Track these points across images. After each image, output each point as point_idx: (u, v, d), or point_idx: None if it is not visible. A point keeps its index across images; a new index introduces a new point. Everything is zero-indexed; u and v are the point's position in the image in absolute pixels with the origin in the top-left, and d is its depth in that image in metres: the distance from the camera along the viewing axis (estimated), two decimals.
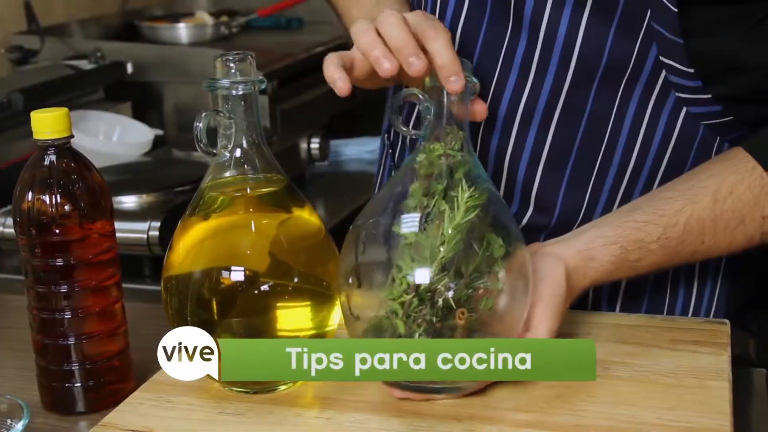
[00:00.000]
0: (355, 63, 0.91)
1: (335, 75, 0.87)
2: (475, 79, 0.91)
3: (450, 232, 0.84)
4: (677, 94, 1.00)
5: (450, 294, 0.84)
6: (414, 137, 0.96)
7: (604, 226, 0.97)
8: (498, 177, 1.06)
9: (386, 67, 0.88)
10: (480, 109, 0.94)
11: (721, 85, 0.99)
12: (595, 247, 0.95)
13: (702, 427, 0.83)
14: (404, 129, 0.92)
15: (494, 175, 1.06)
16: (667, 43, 0.96)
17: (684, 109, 1.01)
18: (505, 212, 0.90)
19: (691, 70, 0.97)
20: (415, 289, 0.84)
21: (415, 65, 0.87)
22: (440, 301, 0.84)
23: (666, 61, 0.97)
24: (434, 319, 0.84)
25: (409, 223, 0.86)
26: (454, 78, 0.87)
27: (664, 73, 0.98)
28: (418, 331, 0.84)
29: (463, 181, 0.86)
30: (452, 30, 1.04)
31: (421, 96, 0.88)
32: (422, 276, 0.84)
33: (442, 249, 0.84)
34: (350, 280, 0.88)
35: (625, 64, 0.98)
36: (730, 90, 0.99)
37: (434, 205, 0.86)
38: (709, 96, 0.99)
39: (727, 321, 1.02)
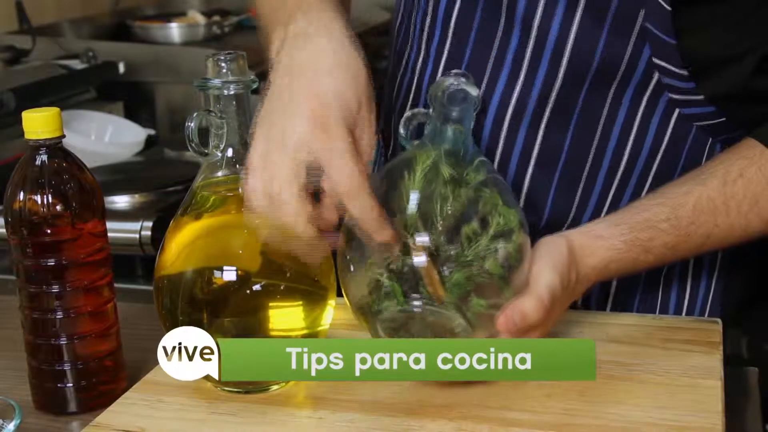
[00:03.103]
0: None
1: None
2: (476, 93, 0.94)
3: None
4: (670, 95, 0.99)
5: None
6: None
7: (611, 214, 0.97)
8: None
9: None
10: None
11: (713, 84, 0.99)
12: (601, 227, 0.94)
13: (694, 426, 0.83)
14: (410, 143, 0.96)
15: None
16: (660, 44, 0.96)
17: (676, 111, 1.01)
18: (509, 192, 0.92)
19: (684, 72, 0.97)
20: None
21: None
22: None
23: (659, 62, 0.97)
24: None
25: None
26: (381, 237, 0.83)
27: (656, 74, 0.98)
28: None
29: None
30: (444, 26, 1.04)
31: (425, 112, 0.96)
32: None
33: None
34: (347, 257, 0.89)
35: (618, 64, 0.98)
36: (722, 88, 0.99)
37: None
38: (702, 97, 0.99)
39: (719, 320, 1.02)
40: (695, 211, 0.95)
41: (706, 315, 1.10)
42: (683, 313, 1.10)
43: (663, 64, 0.97)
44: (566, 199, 1.05)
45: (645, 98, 1.00)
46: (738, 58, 0.98)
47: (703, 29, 0.96)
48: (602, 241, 0.93)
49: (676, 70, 0.97)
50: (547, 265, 0.89)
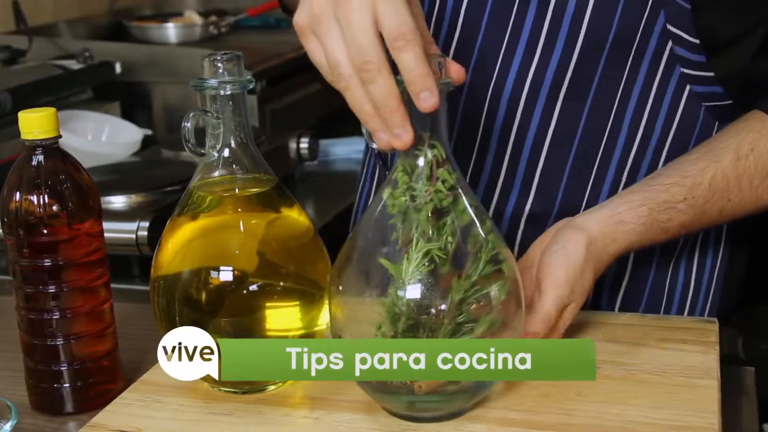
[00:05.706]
0: None
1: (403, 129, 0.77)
2: (449, 80, 0.80)
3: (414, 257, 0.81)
4: (682, 69, 1.00)
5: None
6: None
7: (629, 194, 0.98)
8: (500, 161, 1.06)
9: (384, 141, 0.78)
10: (457, 73, 0.81)
11: (721, 61, 0.99)
12: (623, 211, 0.95)
13: (690, 426, 0.83)
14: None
15: (496, 158, 1.06)
16: (675, 10, 0.96)
17: (688, 88, 1.01)
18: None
19: (697, 41, 0.98)
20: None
21: (403, 139, 0.77)
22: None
23: (673, 30, 0.97)
24: None
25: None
26: (425, 95, 0.76)
27: (669, 45, 0.98)
28: None
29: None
30: (458, 3, 1.04)
31: None
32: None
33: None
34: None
35: (633, 34, 0.98)
36: (729, 65, 1.00)
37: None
38: (712, 74, 1.00)
39: (715, 320, 1.02)
40: (711, 189, 0.97)
41: (706, 314, 1.10)
42: (686, 313, 1.10)
43: (677, 31, 0.97)
44: (579, 183, 1.05)
45: (659, 74, 1.00)
46: (744, 35, 0.99)
47: (714, 5, 0.97)
48: (624, 226, 0.94)
49: (690, 39, 0.98)
50: (558, 277, 0.89)
